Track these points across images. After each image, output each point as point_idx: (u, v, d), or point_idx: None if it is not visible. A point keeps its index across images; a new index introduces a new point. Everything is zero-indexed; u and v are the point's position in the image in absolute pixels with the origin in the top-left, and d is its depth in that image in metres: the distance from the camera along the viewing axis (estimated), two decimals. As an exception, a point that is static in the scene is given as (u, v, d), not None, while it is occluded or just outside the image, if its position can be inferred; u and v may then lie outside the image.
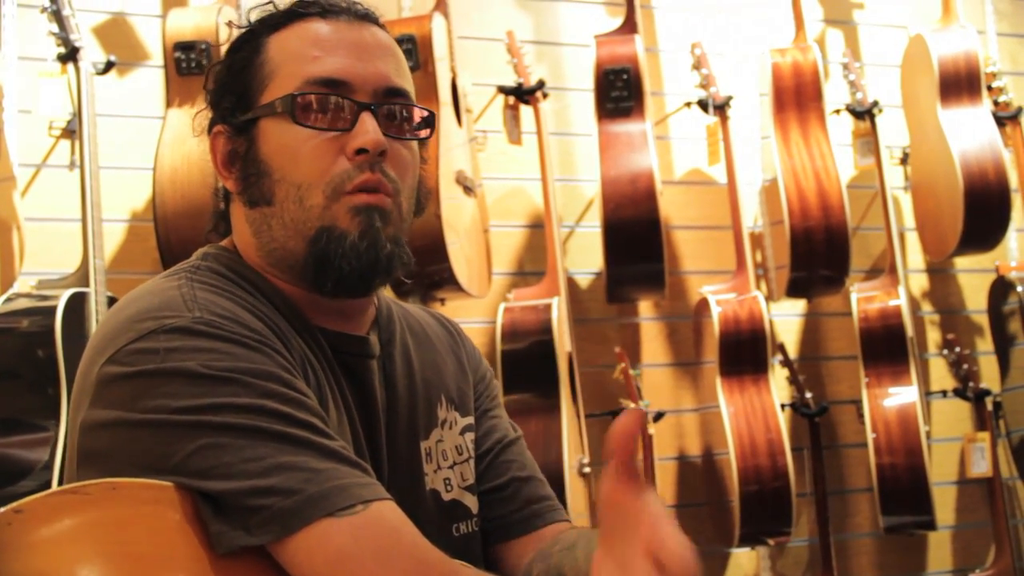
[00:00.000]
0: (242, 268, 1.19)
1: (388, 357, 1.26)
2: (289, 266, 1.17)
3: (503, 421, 1.38)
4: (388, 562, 1.00)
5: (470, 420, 1.34)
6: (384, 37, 1.23)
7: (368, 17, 1.23)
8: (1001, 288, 3.76)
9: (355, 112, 1.16)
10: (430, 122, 1.22)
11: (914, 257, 3.96)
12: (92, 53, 2.92)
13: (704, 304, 3.46)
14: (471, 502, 1.28)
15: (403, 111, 1.20)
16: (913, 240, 3.92)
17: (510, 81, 3.39)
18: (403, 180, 1.18)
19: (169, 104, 2.90)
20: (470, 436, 1.32)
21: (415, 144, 1.22)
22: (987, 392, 3.71)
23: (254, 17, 1.24)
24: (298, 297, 1.19)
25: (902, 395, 3.52)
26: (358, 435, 1.18)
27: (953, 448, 3.86)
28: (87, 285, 2.61)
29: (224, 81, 1.22)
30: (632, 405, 3.26)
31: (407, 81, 1.22)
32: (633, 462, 0.94)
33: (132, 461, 1.02)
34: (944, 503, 3.78)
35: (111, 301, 2.61)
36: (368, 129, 1.15)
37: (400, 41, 3.09)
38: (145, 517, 1.00)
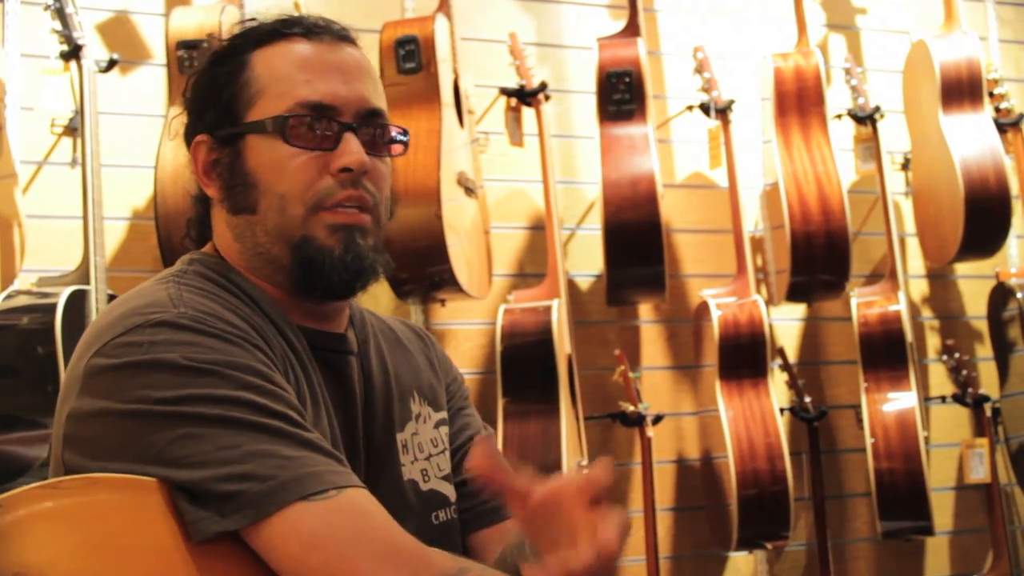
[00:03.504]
0: (226, 271, 1.25)
1: (364, 355, 1.31)
2: (274, 269, 1.24)
3: (476, 419, 1.45)
4: (361, 545, 1.03)
5: (443, 415, 1.39)
6: (362, 58, 1.30)
7: (347, 38, 1.30)
8: (1001, 294, 3.76)
9: (339, 132, 1.23)
10: (404, 140, 1.30)
11: (914, 262, 3.97)
12: (95, 51, 2.92)
13: (704, 307, 3.47)
14: (448, 491, 1.33)
15: (381, 131, 1.28)
16: (913, 245, 3.92)
17: (512, 83, 3.39)
18: (381, 193, 1.27)
19: (171, 102, 2.90)
20: (444, 429, 1.38)
21: (389, 159, 1.30)
22: (986, 398, 3.71)
23: (237, 31, 1.30)
24: (280, 298, 1.25)
25: (901, 400, 3.52)
26: (335, 429, 1.22)
27: (951, 454, 3.86)
28: (88, 283, 2.61)
29: (207, 93, 1.28)
30: (632, 408, 3.26)
31: (382, 99, 1.30)
32: (507, 476, 1.02)
33: (115, 449, 1.07)
34: (942, 509, 3.78)
35: (111, 299, 2.60)
36: (353, 149, 1.23)
37: (403, 42, 3.14)
38: (122, 509, 1.04)
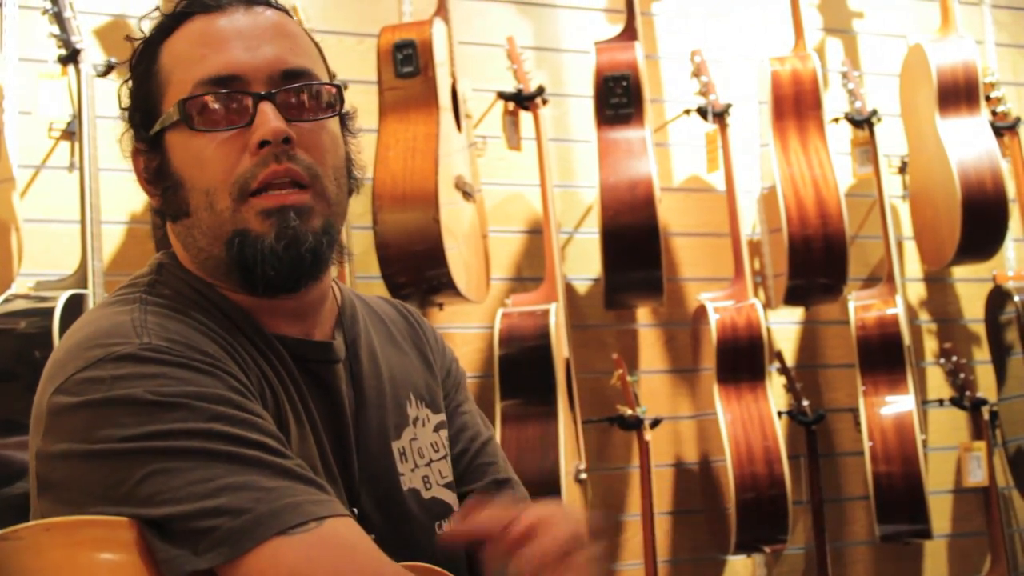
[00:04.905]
0: (194, 281, 1.16)
1: (354, 357, 1.23)
2: (222, 273, 1.14)
3: (474, 416, 1.37)
4: None
5: (442, 417, 1.32)
6: (274, 17, 1.17)
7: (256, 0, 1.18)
8: (998, 297, 3.76)
9: (253, 104, 1.11)
10: (340, 96, 1.17)
11: (912, 266, 3.97)
12: (93, 55, 2.92)
13: (702, 311, 3.47)
14: (451, 499, 1.27)
15: (307, 92, 1.14)
16: (911, 249, 3.93)
17: (510, 87, 3.39)
18: (321, 162, 1.14)
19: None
20: (444, 433, 1.31)
21: (332, 122, 1.17)
22: (984, 401, 3.71)
23: (148, 27, 1.20)
24: (250, 306, 1.16)
25: (899, 404, 3.52)
26: (323, 446, 1.16)
27: (949, 457, 3.86)
28: (85, 287, 2.61)
29: (131, 98, 1.20)
30: (630, 411, 3.26)
31: (307, 57, 1.17)
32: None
33: (86, 492, 1.01)
34: (940, 512, 3.78)
35: (109, 303, 2.61)
36: (267, 119, 1.10)
37: (400, 46, 3.14)
38: (81, 558, 0.98)
